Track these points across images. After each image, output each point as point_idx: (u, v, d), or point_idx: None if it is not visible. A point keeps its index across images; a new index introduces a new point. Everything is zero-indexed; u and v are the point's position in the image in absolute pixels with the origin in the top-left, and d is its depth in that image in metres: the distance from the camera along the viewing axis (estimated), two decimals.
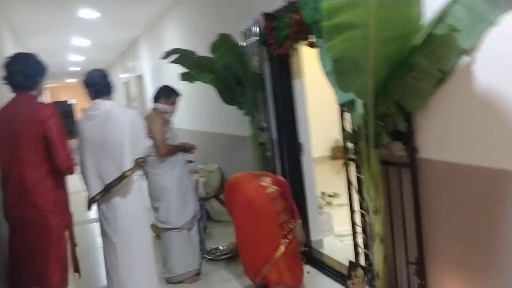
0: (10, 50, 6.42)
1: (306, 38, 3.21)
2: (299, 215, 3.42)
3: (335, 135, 6.39)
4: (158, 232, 4.02)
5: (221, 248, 4.29)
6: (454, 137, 2.25)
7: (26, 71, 2.73)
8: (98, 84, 3.08)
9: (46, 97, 12.44)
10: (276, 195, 3.24)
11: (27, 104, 2.74)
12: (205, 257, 4.16)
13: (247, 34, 4.15)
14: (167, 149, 3.64)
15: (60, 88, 22.93)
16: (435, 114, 2.33)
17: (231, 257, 4.10)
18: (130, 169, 2.99)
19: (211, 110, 5.99)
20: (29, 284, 2.80)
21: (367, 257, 2.99)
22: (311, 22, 2.75)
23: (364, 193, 2.69)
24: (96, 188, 3.03)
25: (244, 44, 4.20)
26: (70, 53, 11.37)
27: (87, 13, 6.98)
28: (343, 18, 1.93)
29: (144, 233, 3.19)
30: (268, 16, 3.68)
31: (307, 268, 3.63)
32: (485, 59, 2.04)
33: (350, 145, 2.83)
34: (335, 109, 3.02)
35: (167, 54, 4.19)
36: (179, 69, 4.50)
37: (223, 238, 4.56)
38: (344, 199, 3.32)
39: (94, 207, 3.17)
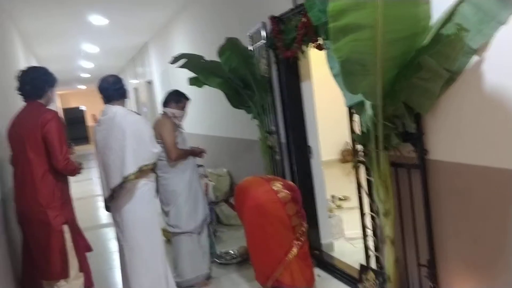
0: (22, 58, 6.52)
1: (313, 41, 3.22)
2: (305, 219, 3.41)
3: (345, 138, 6.38)
4: (169, 237, 4.03)
5: (231, 252, 4.28)
6: (464, 138, 2.22)
7: (34, 81, 2.98)
8: (108, 90, 3.14)
9: (56, 104, 12.58)
10: (288, 199, 3.24)
11: (34, 110, 2.96)
12: (215, 261, 4.16)
13: (254, 37, 4.16)
14: (178, 153, 3.66)
15: (71, 95, 23.23)
16: (445, 114, 2.31)
17: (241, 261, 4.10)
18: (133, 174, 3.00)
19: (219, 115, 6.00)
20: (37, 277, 3.00)
21: (378, 260, 2.97)
22: (318, 24, 2.74)
23: (374, 195, 2.67)
24: (106, 192, 3.11)
25: (251, 47, 4.21)
26: (80, 60, 11.48)
27: (96, 20, 7.06)
28: (350, 19, 1.91)
29: (152, 238, 3.19)
30: (275, 19, 3.69)
31: (317, 271, 3.62)
32: (494, 58, 2.02)
33: (359, 147, 2.82)
34: (344, 112, 3.01)
35: (175, 59, 4.21)
36: (188, 74, 4.52)
37: (233, 242, 4.57)
38: (354, 202, 3.30)
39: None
